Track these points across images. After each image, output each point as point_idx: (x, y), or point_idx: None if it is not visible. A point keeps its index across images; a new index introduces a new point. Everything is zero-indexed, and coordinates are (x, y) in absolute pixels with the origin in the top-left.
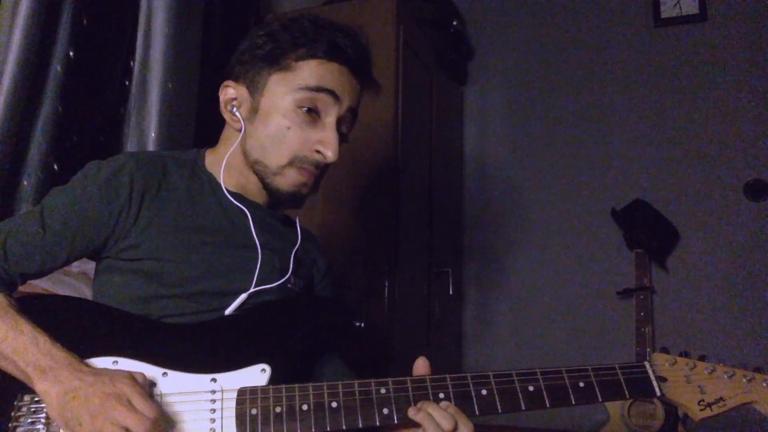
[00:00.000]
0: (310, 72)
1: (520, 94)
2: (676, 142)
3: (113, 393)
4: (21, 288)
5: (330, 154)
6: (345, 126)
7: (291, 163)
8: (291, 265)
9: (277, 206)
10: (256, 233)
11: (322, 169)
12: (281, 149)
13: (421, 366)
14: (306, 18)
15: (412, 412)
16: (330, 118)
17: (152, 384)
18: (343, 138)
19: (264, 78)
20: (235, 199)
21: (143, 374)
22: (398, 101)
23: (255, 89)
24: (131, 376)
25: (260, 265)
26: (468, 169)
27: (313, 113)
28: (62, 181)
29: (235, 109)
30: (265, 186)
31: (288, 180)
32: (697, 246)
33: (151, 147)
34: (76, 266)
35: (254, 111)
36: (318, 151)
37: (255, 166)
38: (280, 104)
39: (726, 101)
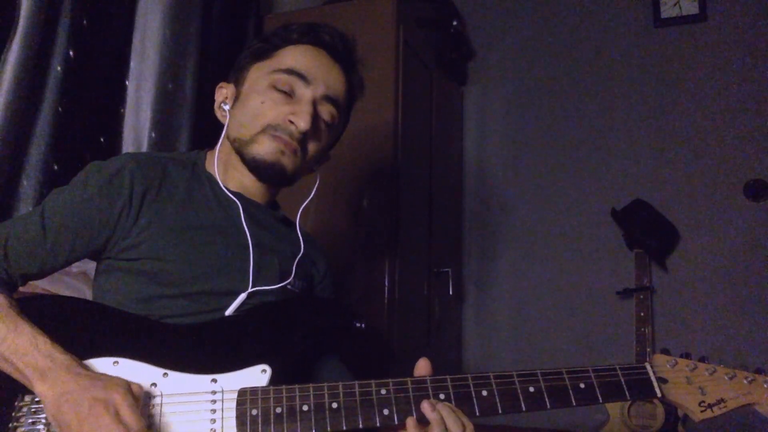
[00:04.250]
0: (285, 56)
1: (520, 94)
2: (676, 142)
3: (102, 399)
4: (21, 288)
5: (302, 123)
6: (325, 114)
7: (264, 131)
8: (294, 267)
9: (265, 182)
10: (255, 232)
11: (299, 142)
12: (256, 121)
13: (422, 367)
14: (297, 22)
15: (427, 407)
16: (303, 95)
17: (149, 393)
18: (327, 128)
19: (247, 70)
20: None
21: (140, 386)
22: (398, 101)
23: (239, 82)
24: (126, 386)
25: (256, 264)
26: (468, 169)
27: (286, 94)
28: (62, 181)
29: (224, 105)
30: (245, 160)
31: (264, 147)
32: (697, 246)
33: (149, 147)
34: (76, 266)
35: (237, 98)
36: (291, 122)
37: (234, 144)
38: (257, 86)
39: (726, 101)
